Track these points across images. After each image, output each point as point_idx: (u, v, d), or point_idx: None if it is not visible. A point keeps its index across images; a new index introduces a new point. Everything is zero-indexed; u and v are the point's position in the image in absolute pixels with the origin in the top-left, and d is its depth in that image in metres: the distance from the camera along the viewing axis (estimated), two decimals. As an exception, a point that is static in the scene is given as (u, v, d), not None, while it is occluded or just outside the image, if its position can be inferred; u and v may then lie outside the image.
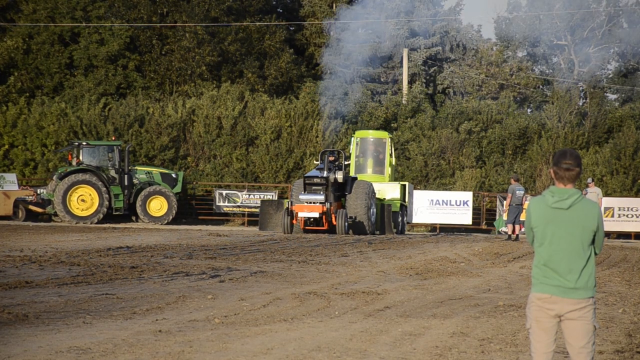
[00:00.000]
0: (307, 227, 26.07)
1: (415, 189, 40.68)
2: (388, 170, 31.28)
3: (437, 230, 37.70)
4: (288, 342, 7.39)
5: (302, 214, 25.66)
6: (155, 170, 34.25)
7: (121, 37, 44.50)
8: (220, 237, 22.95)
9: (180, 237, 21.49)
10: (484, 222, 38.67)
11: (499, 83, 57.94)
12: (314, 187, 26.10)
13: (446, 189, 40.50)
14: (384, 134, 32.18)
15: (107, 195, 31.63)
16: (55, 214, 32.22)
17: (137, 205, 32.85)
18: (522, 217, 29.91)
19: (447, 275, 13.83)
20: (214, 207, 36.81)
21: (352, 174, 30.52)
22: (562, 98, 43.70)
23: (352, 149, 31.42)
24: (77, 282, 11.24)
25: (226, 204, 37.15)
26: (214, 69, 45.72)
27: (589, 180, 31.24)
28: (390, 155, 31.38)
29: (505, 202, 28.34)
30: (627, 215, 36.40)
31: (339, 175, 26.88)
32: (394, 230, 29.48)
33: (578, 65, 60.42)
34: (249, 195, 38.12)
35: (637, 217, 36.27)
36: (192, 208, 37.89)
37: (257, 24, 47.47)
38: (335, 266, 14.77)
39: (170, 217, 32.88)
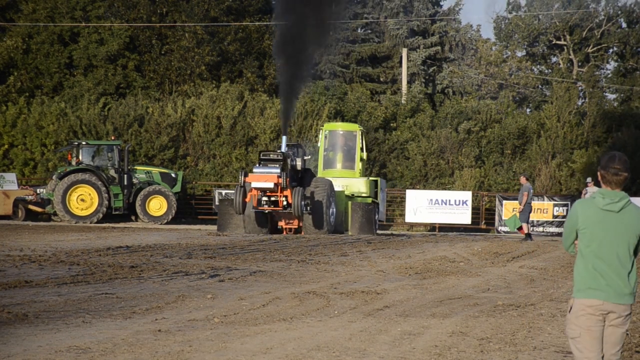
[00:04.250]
0: (260, 208, 24.36)
1: (414, 188, 40.69)
2: (359, 165, 29.56)
3: (437, 230, 37.70)
4: (287, 341, 7.40)
5: (255, 184, 23.98)
6: (154, 170, 34.26)
7: (121, 37, 44.49)
8: (220, 236, 22.96)
9: (180, 237, 21.50)
10: (483, 222, 38.68)
11: (498, 83, 57.95)
12: (269, 163, 24.44)
13: (445, 189, 40.51)
14: (354, 127, 30.64)
15: (106, 195, 31.63)
16: (55, 214, 32.22)
17: (137, 205, 32.85)
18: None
19: (446, 274, 13.84)
20: (213, 207, 36.83)
21: (320, 168, 29.44)
22: (561, 98, 43.71)
23: (321, 142, 29.83)
24: (76, 281, 11.25)
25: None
26: (213, 69, 45.71)
27: (588, 179, 31.25)
28: (362, 149, 29.73)
29: (522, 201, 27.91)
30: (626, 215, 36.35)
31: (298, 162, 25.51)
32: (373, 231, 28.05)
33: (577, 65, 60.41)
34: (249, 195, 38.16)
35: (637, 216, 36.22)
36: (191, 208, 37.90)
37: (257, 23, 47.47)
38: (334, 266, 14.79)
39: (170, 217, 32.88)
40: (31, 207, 33.21)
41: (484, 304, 10.23)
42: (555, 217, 36.71)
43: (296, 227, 25.24)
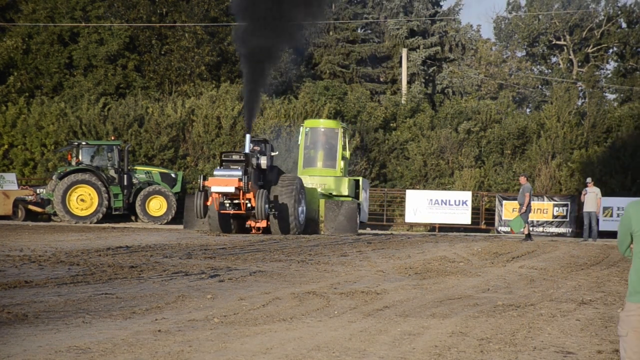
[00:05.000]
0: (222, 211, 23.32)
1: (414, 188, 40.69)
2: (340, 163, 28.43)
3: (436, 230, 37.70)
4: (287, 341, 7.40)
5: (215, 189, 22.73)
6: (154, 170, 34.27)
7: (120, 37, 44.50)
8: (220, 236, 22.97)
9: (180, 237, 21.50)
10: (483, 222, 38.68)
11: (498, 83, 57.95)
12: (231, 165, 23.17)
13: (445, 189, 40.51)
14: (335, 124, 29.46)
15: (106, 195, 31.64)
16: (55, 214, 32.22)
17: (137, 205, 32.85)
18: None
19: (446, 274, 13.84)
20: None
21: (300, 167, 28.43)
22: (561, 98, 43.72)
23: (301, 140, 28.62)
24: (76, 281, 11.25)
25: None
26: (213, 69, 45.72)
27: (588, 180, 31.26)
28: (344, 147, 28.66)
29: (524, 202, 27.89)
30: (626, 215, 36.35)
31: (263, 161, 24.04)
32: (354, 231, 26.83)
33: (577, 65, 60.39)
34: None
35: (636, 216, 36.20)
36: (191, 208, 37.88)
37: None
38: (334, 266, 14.79)
39: (170, 217, 32.88)
40: (31, 207, 33.21)
41: (484, 304, 10.23)
42: (555, 217, 36.71)
43: (265, 226, 24.08)
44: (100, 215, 31.67)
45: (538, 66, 63.10)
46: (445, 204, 37.63)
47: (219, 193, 22.83)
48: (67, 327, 7.89)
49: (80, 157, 32.61)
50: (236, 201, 23.12)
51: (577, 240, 30.19)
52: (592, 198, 30.33)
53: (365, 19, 54.64)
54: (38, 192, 33.41)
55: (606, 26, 59.53)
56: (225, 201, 23.13)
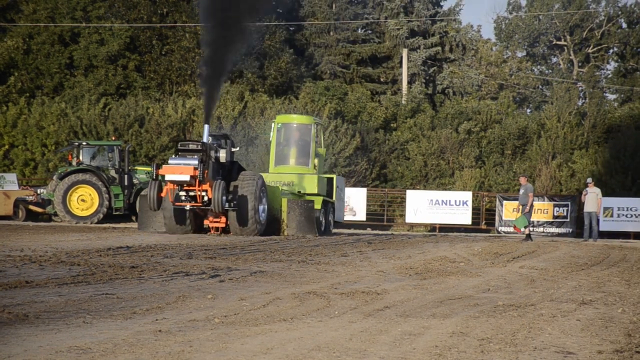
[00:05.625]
0: (177, 203, 22.05)
1: (414, 189, 40.70)
2: (313, 161, 27.30)
3: (437, 230, 37.70)
4: (288, 341, 7.40)
5: (169, 177, 21.47)
6: (155, 171, 34.26)
7: (121, 37, 44.51)
8: (220, 237, 22.96)
9: (180, 237, 21.50)
10: (484, 222, 38.69)
11: (499, 83, 57.95)
12: (187, 154, 21.81)
13: (446, 189, 40.54)
14: (308, 119, 28.23)
15: (107, 195, 31.65)
16: (55, 214, 32.23)
17: (137, 205, 32.87)
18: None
19: (446, 275, 13.85)
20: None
21: (272, 164, 27.36)
22: (561, 98, 43.73)
23: (273, 136, 27.43)
24: (77, 281, 11.26)
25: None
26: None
27: (589, 180, 31.28)
28: (318, 143, 27.59)
29: (528, 202, 27.94)
30: (626, 215, 36.43)
31: (222, 154, 22.71)
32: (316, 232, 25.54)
33: (577, 65, 60.38)
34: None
35: (637, 217, 36.29)
36: (191, 208, 37.87)
37: (257, 23, 47.48)
38: (334, 266, 14.79)
39: (170, 217, 32.83)
40: (32, 207, 33.23)
41: (484, 305, 10.24)
42: (555, 217, 36.72)
43: (224, 225, 23.05)
44: (101, 216, 31.68)
45: (538, 66, 63.11)
46: (446, 204, 37.65)
47: (173, 182, 21.57)
48: (67, 327, 7.90)
49: (80, 158, 32.62)
50: (192, 193, 21.84)
51: (578, 241, 30.20)
52: (593, 198, 30.34)
53: (365, 19, 54.65)
54: (39, 192, 33.43)
55: (606, 26, 59.54)
56: (181, 193, 21.88)
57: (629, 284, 13.42)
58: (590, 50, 60.44)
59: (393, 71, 54.25)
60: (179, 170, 21.39)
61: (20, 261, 13.63)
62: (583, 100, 54.90)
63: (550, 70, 61.74)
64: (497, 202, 37.45)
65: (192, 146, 21.92)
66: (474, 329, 8.37)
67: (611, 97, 59.70)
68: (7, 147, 39.67)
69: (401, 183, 42.32)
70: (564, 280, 13.61)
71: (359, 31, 55.26)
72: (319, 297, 10.46)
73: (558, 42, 60.73)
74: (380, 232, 34.50)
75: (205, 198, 21.83)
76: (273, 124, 27.68)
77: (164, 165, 22.09)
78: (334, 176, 28.46)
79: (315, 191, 26.49)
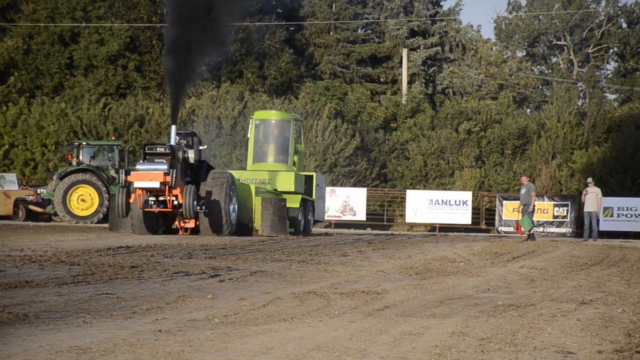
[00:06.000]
0: (147, 209, 21.41)
1: (414, 188, 40.71)
2: (293, 158, 26.58)
3: (437, 230, 37.71)
4: (288, 341, 7.40)
5: (138, 184, 20.89)
6: (155, 170, 34.23)
7: (121, 37, 44.52)
8: (220, 237, 22.96)
9: (180, 237, 21.49)
10: (484, 222, 38.69)
11: (499, 83, 57.95)
12: (156, 158, 21.16)
13: (445, 189, 40.55)
14: (287, 115, 27.63)
15: (107, 195, 31.66)
16: (55, 214, 32.24)
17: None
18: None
19: (446, 275, 13.85)
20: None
21: (250, 162, 26.74)
22: (561, 98, 43.74)
23: (251, 132, 26.69)
24: (77, 281, 11.25)
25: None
26: (213, 69, 45.74)
27: (589, 180, 31.28)
28: (297, 140, 27.02)
29: (532, 201, 27.97)
30: (626, 215, 36.44)
31: (190, 155, 22.14)
32: (289, 231, 24.63)
33: (577, 65, 60.38)
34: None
35: (636, 216, 36.30)
36: (191, 208, 37.87)
37: (257, 24, 47.49)
38: (334, 266, 14.80)
39: (170, 217, 32.84)
40: (32, 207, 33.23)
41: (484, 304, 10.24)
42: (555, 217, 36.73)
43: (193, 226, 22.31)
44: (101, 215, 31.68)
45: (538, 66, 63.10)
46: (446, 204, 37.66)
47: (142, 189, 21.02)
48: (67, 327, 7.90)
49: (80, 157, 32.63)
50: (161, 198, 21.24)
51: (578, 241, 30.20)
52: (593, 198, 30.35)
53: (365, 19, 54.65)
54: (39, 192, 33.44)
55: (606, 26, 59.53)
56: (150, 198, 21.28)
57: (629, 284, 13.42)
58: (590, 50, 60.44)
59: (393, 71, 54.25)
60: (148, 177, 20.78)
61: (20, 261, 13.63)
62: (583, 100, 54.89)
63: (550, 70, 61.74)
64: (497, 202, 37.45)
65: (160, 149, 21.29)
66: (474, 328, 8.37)
67: (611, 97, 59.72)
68: (7, 147, 39.67)
69: (401, 183, 42.33)
70: (564, 280, 13.62)
71: (359, 31, 55.26)
72: (319, 297, 10.46)
73: (558, 42, 60.73)
74: (380, 232, 34.50)
75: (175, 202, 21.25)
76: (251, 121, 26.92)
77: (132, 172, 21.27)
78: (314, 174, 27.74)
79: (292, 189, 25.64)
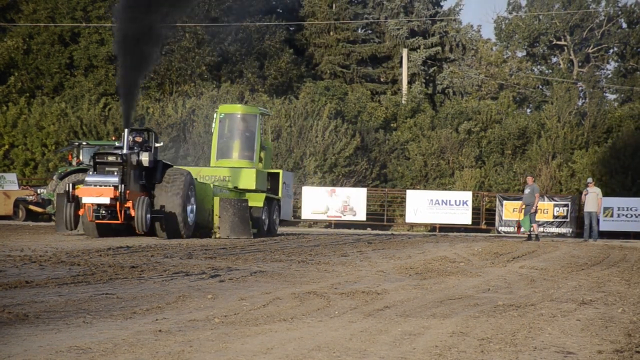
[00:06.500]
0: (97, 221, 20.14)
1: (414, 189, 40.70)
2: (258, 154, 25.16)
3: (437, 230, 37.71)
4: (288, 341, 7.40)
5: (87, 199, 19.63)
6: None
7: (121, 37, 44.50)
8: (220, 238, 22.96)
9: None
10: (484, 222, 38.69)
11: (499, 83, 57.94)
12: (107, 168, 19.97)
13: (446, 189, 40.54)
14: (253, 109, 26.25)
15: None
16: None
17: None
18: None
19: (446, 275, 13.85)
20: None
21: (213, 158, 25.34)
22: (561, 98, 43.74)
23: (215, 127, 25.31)
24: (77, 281, 11.26)
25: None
26: (213, 69, 45.77)
27: (589, 180, 31.29)
28: (263, 136, 25.74)
29: (535, 202, 27.98)
30: (626, 215, 36.44)
31: (144, 157, 20.64)
32: (253, 232, 23.07)
33: (577, 65, 60.38)
34: (249, 195, 38.16)
35: (637, 216, 36.30)
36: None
37: (257, 24, 47.48)
38: (335, 266, 14.80)
39: (170, 217, 32.80)
40: (32, 207, 33.24)
41: (484, 304, 10.24)
42: (555, 217, 36.73)
43: (147, 229, 20.65)
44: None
45: (538, 66, 63.09)
46: (446, 204, 37.65)
47: (92, 204, 19.77)
48: (67, 327, 7.90)
49: (80, 158, 32.62)
50: (112, 209, 19.93)
51: (578, 241, 30.20)
52: (593, 198, 30.34)
53: (365, 19, 54.64)
54: (39, 192, 33.44)
55: (606, 26, 59.53)
56: (101, 210, 19.98)
57: (629, 284, 13.43)
58: (590, 50, 60.44)
59: (393, 71, 54.25)
60: (97, 192, 19.61)
61: (20, 261, 13.63)
62: (583, 100, 54.90)
63: (550, 70, 61.73)
64: (497, 202, 37.45)
65: (111, 159, 20.16)
66: (474, 329, 8.37)
67: (611, 97, 59.73)
68: (7, 147, 39.67)
69: (401, 183, 42.33)
70: (564, 280, 13.62)
71: (359, 31, 55.25)
72: (319, 297, 10.47)
73: (558, 42, 60.72)
74: (381, 232, 34.51)
75: (128, 215, 19.96)
76: (215, 114, 25.51)
77: (80, 186, 20.10)
78: (280, 171, 26.41)
79: (254, 187, 24.26)
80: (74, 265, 13.25)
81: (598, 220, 31.02)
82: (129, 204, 19.88)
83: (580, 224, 34.26)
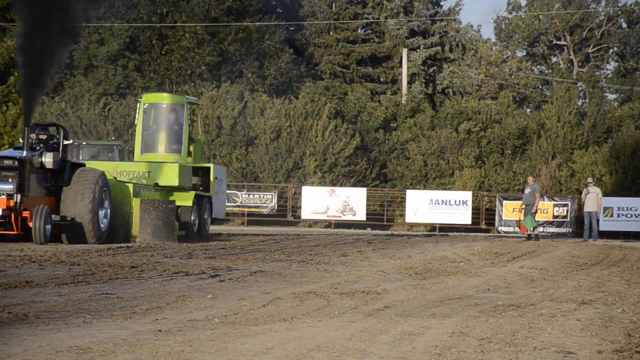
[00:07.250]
0: None
1: (414, 188, 40.70)
2: (188, 147, 23.47)
3: (437, 230, 37.71)
4: (288, 341, 7.40)
5: None
6: (155, 170, 34.22)
7: (121, 37, 44.52)
8: (220, 236, 22.98)
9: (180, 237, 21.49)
10: (484, 222, 38.69)
11: (498, 83, 57.95)
12: (2, 173, 18.01)
13: (445, 189, 40.53)
14: (180, 99, 24.15)
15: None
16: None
17: None
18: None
19: (446, 274, 13.85)
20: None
21: (137, 152, 23.24)
22: (561, 98, 43.73)
23: (138, 118, 23.15)
24: (77, 281, 11.26)
25: (226, 203, 36.97)
26: (213, 69, 45.75)
27: (589, 180, 31.30)
28: (193, 127, 23.91)
29: (536, 202, 28.01)
30: (626, 215, 36.44)
31: (48, 159, 18.46)
32: (179, 234, 21.24)
33: (577, 65, 60.38)
34: (249, 195, 38.19)
35: (636, 216, 36.30)
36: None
37: (257, 24, 47.48)
38: (334, 266, 14.80)
39: (170, 217, 32.79)
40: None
41: (484, 304, 10.24)
42: (555, 217, 36.72)
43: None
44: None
45: (538, 66, 63.10)
46: (446, 204, 37.65)
47: None
48: (67, 327, 7.90)
49: (80, 157, 32.62)
50: (7, 219, 17.90)
51: (578, 241, 30.20)
52: (593, 198, 30.36)
53: (365, 19, 54.63)
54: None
55: (606, 26, 59.55)
56: None
57: (629, 284, 13.42)
58: (590, 50, 60.45)
59: (393, 71, 54.24)
60: None
61: (20, 261, 13.63)
62: (583, 100, 54.90)
63: (550, 70, 61.74)
64: (497, 202, 37.45)
65: (7, 163, 18.08)
66: (474, 328, 8.37)
67: (611, 97, 59.73)
68: (7, 147, 39.66)
69: (401, 183, 42.32)
70: (564, 280, 13.62)
71: (359, 31, 55.24)
72: (319, 297, 10.46)
73: (558, 42, 60.73)
74: (380, 232, 34.51)
75: (24, 225, 18.00)
76: (139, 104, 23.37)
77: None
78: (211, 165, 24.42)
79: (176, 183, 21.98)
80: (74, 265, 13.25)
81: (598, 220, 31.03)
82: (27, 213, 17.88)
83: (580, 223, 34.27)
